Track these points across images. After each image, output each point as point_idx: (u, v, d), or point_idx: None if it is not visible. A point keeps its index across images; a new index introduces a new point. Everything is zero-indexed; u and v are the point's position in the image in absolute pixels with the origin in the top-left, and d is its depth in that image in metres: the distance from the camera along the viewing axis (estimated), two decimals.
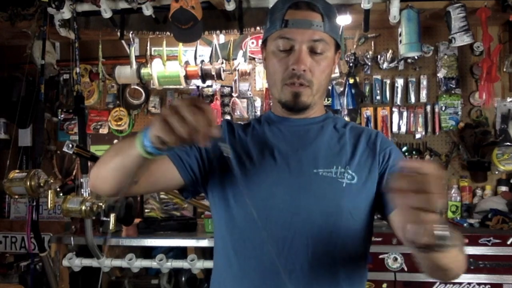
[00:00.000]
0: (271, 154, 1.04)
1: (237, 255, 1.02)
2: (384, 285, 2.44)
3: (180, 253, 2.66)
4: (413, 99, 3.08)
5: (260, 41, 3.12)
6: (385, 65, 3.09)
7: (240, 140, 1.09)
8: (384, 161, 1.05)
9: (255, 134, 1.10)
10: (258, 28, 2.79)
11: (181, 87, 3.18)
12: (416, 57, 3.03)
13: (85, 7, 2.74)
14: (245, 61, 3.07)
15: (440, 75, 3.04)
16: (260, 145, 1.07)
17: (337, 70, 3.04)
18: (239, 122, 1.18)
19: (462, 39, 2.60)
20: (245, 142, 1.09)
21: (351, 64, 3.06)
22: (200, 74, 3.02)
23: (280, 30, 1.03)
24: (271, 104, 1.20)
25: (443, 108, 3.04)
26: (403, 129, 3.06)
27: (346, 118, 2.95)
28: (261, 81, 3.18)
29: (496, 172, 3.00)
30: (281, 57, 1.04)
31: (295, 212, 0.98)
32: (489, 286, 2.41)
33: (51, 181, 2.30)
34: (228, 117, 3.13)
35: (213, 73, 2.99)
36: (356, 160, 1.03)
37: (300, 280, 0.97)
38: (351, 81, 3.02)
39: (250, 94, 3.20)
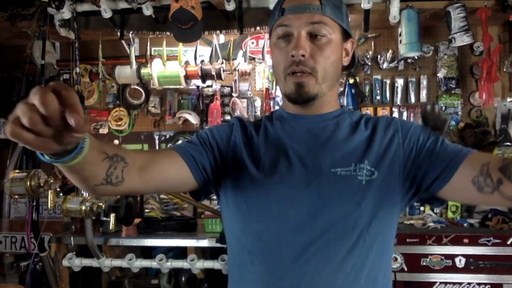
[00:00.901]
0: (286, 156, 0.99)
1: (253, 258, 0.98)
2: None
3: (180, 253, 2.66)
4: (413, 99, 3.08)
5: (260, 41, 3.16)
6: (385, 65, 3.09)
7: (253, 140, 1.04)
8: (410, 143, 0.98)
9: (268, 134, 1.05)
10: (258, 28, 2.79)
11: (181, 87, 3.18)
12: (416, 57, 3.03)
13: (85, 7, 2.74)
14: (245, 61, 3.07)
15: (440, 75, 3.05)
16: (274, 146, 1.02)
17: None
18: (250, 120, 1.14)
19: (462, 39, 2.60)
20: (257, 143, 1.04)
21: None
22: (200, 74, 3.02)
23: (278, 20, 1.00)
24: (281, 101, 1.18)
25: (443, 108, 3.04)
26: None
27: None
28: (261, 81, 3.18)
29: None
30: (282, 47, 0.99)
31: (313, 214, 0.93)
32: (489, 286, 2.41)
33: (51, 181, 2.30)
34: (228, 117, 3.14)
35: (213, 73, 2.99)
36: (374, 153, 0.97)
37: (318, 283, 0.92)
38: (351, 81, 3.02)
39: (250, 94, 3.20)
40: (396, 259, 2.45)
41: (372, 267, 0.95)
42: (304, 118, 1.04)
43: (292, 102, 1.02)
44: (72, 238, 2.58)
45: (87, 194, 2.46)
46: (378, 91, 3.11)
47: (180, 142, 1.21)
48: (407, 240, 2.48)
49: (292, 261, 0.93)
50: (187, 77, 3.07)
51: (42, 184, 2.23)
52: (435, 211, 2.97)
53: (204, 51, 3.08)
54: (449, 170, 0.91)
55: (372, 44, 3.12)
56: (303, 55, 0.95)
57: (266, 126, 1.07)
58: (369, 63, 3.10)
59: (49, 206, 2.37)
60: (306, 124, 1.03)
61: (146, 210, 2.83)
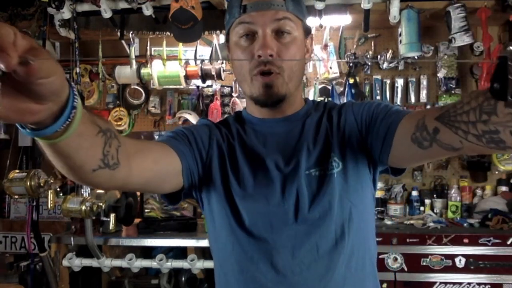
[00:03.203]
0: (264, 166, 0.96)
1: (242, 269, 0.96)
2: (384, 285, 2.44)
3: (180, 253, 2.66)
4: (413, 99, 3.08)
5: None
6: (385, 65, 3.09)
7: (229, 144, 1.01)
8: (363, 120, 0.96)
9: (244, 143, 1.01)
10: None
11: (181, 87, 3.18)
12: (416, 57, 3.03)
13: (85, 7, 2.73)
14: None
15: (440, 75, 3.04)
16: (252, 157, 0.98)
17: (336, 70, 3.04)
18: (217, 121, 1.10)
19: (462, 39, 2.60)
20: (233, 148, 1.00)
21: (351, 64, 3.06)
22: (200, 74, 3.02)
23: (239, 17, 0.95)
24: (246, 104, 1.11)
25: None
26: None
27: None
28: None
29: (496, 172, 3.00)
30: (244, 46, 0.95)
31: (297, 219, 0.93)
32: (489, 286, 2.41)
33: (51, 181, 2.31)
34: None
35: (213, 73, 2.99)
36: (336, 143, 0.96)
37: (311, 280, 0.92)
38: (351, 81, 3.02)
39: None
40: (396, 259, 2.45)
41: (359, 255, 0.95)
42: (273, 122, 1.01)
43: (260, 104, 0.99)
44: (72, 238, 2.58)
45: (87, 194, 2.46)
46: (378, 91, 3.11)
47: (159, 137, 1.12)
48: (407, 240, 2.48)
49: (286, 268, 0.92)
50: (187, 77, 3.07)
51: (42, 184, 2.24)
52: (435, 211, 2.97)
53: (204, 51, 3.08)
54: (388, 136, 0.88)
55: (372, 44, 3.12)
56: (271, 55, 0.92)
57: (240, 133, 1.03)
58: (369, 63, 3.10)
59: (49, 206, 2.38)
60: (276, 128, 1.01)
61: (146, 210, 2.84)
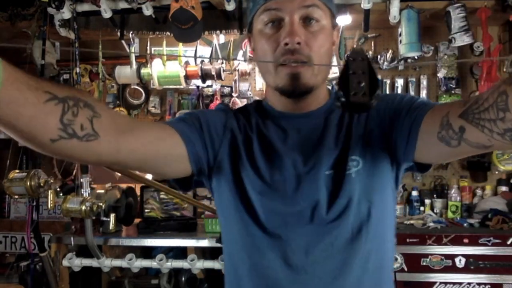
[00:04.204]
0: (281, 163, 0.92)
1: (254, 264, 0.93)
2: None
3: (180, 253, 2.66)
4: None
5: None
6: (385, 65, 3.09)
7: (246, 135, 0.95)
8: (385, 116, 0.90)
9: (262, 135, 0.95)
10: None
11: (181, 87, 3.18)
12: (416, 57, 3.03)
13: (85, 7, 2.73)
14: (245, 61, 3.07)
15: (440, 75, 3.04)
16: (269, 152, 0.93)
17: (336, 69, 3.04)
18: (237, 108, 1.04)
19: (462, 39, 2.60)
20: (251, 140, 0.95)
21: None
22: (200, 74, 3.02)
23: (264, 4, 0.89)
24: (267, 94, 1.04)
25: None
26: None
27: None
28: (261, 81, 3.18)
29: (496, 172, 3.00)
30: (270, 35, 0.89)
31: (310, 220, 0.89)
32: (489, 286, 2.41)
33: (51, 181, 2.30)
34: None
35: (213, 73, 2.99)
36: (356, 141, 0.91)
37: (328, 279, 0.89)
38: None
39: (250, 94, 3.20)
40: (396, 259, 2.45)
41: (377, 256, 0.92)
42: (295, 118, 0.96)
43: (286, 95, 0.92)
44: (72, 238, 2.58)
45: (87, 194, 2.46)
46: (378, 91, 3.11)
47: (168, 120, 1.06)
48: (407, 240, 2.48)
49: (299, 270, 0.89)
50: (187, 77, 3.07)
51: (42, 184, 2.23)
52: (435, 211, 2.97)
53: (204, 51, 3.08)
54: (413, 133, 0.83)
55: (372, 44, 3.12)
56: (298, 43, 0.86)
57: (259, 125, 0.97)
58: None
59: (49, 206, 2.37)
60: (297, 124, 0.95)
61: (146, 210, 2.84)
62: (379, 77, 3.12)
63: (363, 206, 0.89)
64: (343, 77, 0.77)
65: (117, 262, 2.54)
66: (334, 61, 2.99)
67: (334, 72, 3.03)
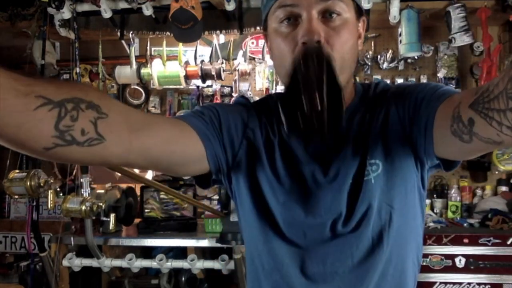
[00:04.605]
0: (299, 172, 0.87)
1: (271, 271, 0.91)
2: None
3: (180, 253, 2.66)
4: None
5: (260, 41, 3.16)
6: (385, 65, 3.09)
7: (268, 139, 0.89)
8: (403, 116, 0.83)
9: (283, 139, 0.89)
10: (258, 28, 2.79)
11: (181, 87, 3.18)
12: (416, 57, 3.03)
13: (85, 7, 2.74)
14: (245, 61, 3.07)
15: (440, 75, 3.04)
16: (289, 158, 0.88)
17: None
18: (253, 102, 0.97)
19: (462, 39, 2.60)
20: (272, 145, 0.89)
21: None
22: (200, 74, 3.02)
23: (278, 0, 0.81)
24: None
25: None
26: None
27: None
28: (261, 81, 3.18)
29: (496, 172, 3.00)
30: (286, 33, 0.81)
31: (330, 230, 0.86)
32: (489, 286, 2.41)
33: (51, 181, 2.30)
34: None
35: (213, 73, 2.99)
36: (377, 143, 0.84)
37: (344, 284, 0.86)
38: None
39: (250, 94, 3.20)
40: None
41: (398, 260, 0.88)
42: None
43: None
44: (72, 238, 2.58)
45: (87, 194, 2.46)
46: None
47: (184, 113, 0.95)
48: None
49: (315, 272, 0.87)
50: (187, 77, 3.07)
51: (42, 184, 2.23)
52: (435, 211, 2.97)
53: (204, 51, 3.09)
54: (429, 128, 0.77)
55: (372, 44, 3.12)
56: (318, 41, 0.77)
57: (280, 129, 0.90)
58: (369, 63, 3.10)
59: (49, 206, 2.37)
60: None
61: (146, 210, 2.84)
62: (379, 77, 3.12)
63: (384, 212, 0.85)
64: (290, 91, 0.65)
65: (117, 262, 2.54)
66: None
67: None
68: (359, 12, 0.85)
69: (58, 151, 0.59)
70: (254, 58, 3.16)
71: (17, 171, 2.29)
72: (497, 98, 0.57)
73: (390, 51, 3.07)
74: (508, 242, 2.42)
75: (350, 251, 0.86)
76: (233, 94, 3.17)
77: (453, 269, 2.44)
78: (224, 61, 3.02)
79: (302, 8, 0.78)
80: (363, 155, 0.85)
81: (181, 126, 0.80)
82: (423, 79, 3.08)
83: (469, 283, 2.42)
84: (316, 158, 0.87)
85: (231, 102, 2.81)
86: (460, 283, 2.44)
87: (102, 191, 2.66)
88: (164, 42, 2.97)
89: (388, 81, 3.10)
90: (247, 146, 0.89)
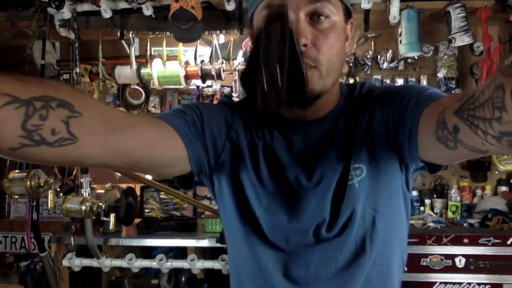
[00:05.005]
0: (283, 177, 0.85)
1: (255, 276, 0.90)
2: None
3: (180, 253, 2.66)
4: None
5: None
6: (385, 65, 3.09)
7: (252, 143, 0.88)
8: (387, 119, 0.82)
9: (267, 144, 0.87)
10: None
11: (181, 87, 3.18)
12: (416, 57, 3.03)
13: (85, 7, 2.73)
14: (245, 61, 3.07)
15: (440, 75, 3.04)
16: (272, 163, 0.86)
17: None
18: (237, 102, 0.94)
19: (462, 39, 2.60)
20: (256, 149, 0.87)
21: (351, 64, 3.06)
22: (200, 74, 3.01)
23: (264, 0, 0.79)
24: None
25: None
26: None
27: None
28: None
29: (496, 172, 3.00)
30: None
31: (313, 235, 0.85)
32: (489, 286, 2.41)
33: (51, 181, 2.30)
34: None
35: (213, 73, 2.99)
36: (361, 147, 0.83)
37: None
38: (351, 81, 3.02)
39: None
40: None
41: (383, 263, 0.88)
42: (301, 125, 0.87)
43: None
44: (72, 238, 2.58)
45: (87, 194, 2.46)
46: None
47: (164, 112, 0.86)
48: (407, 240, 2.48)
49: (299, 277, 0.87)
50: (187, 77, 3.07)
51: (42, 184, 2.23)
52: (435, 211, 2.97)
53: (204, 51, 3.08)
54: (413, 133, 0.76)
55: (372, 44, 3.12)
56: (304, 45, 0.76)
57: (265, 133, 0.88)
58: (369, 63, 3.10)
59: (49, 206, 2.37)
60: (303, 132, 0.87)
61: (146, 210, 2.84)
62: (379, 77, 3.12)
63: (368, 216, 0.85)
64: (250, 67, 0.60)
65: (117, 262, 2.54)
66: None
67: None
68: (348, 14, 0.85)
69: (25, 152, 0.57)
70: None
71: (17, 171, 2.29)
72: (482, 106, 0.56)
73: (390, 51, 3.07)
74: (508, 242, 2.42)
75: (334, 256, 0.85)
76: (233, 94, 3.17)
77: (453, 269, 2.44)
78: (224, 61, 3.02)
79: (289, 9, 0.76)
80: (347, 159, 0.84)
81: (161, 126, 0.77)
82: (423, 79, 3.08)
83: (469, 283, 2.42)
84: (300, 162, 0.86)
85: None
86: (460, 283, 2.43)
87: (102, 191, 2.66)
88: (164, 42, 2.97)
89: (388, 81, 3.11)
90: (230, 148, 0.87)
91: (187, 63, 3.06)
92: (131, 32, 2.90)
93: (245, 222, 0.88)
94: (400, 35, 2.73)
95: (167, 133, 0.77)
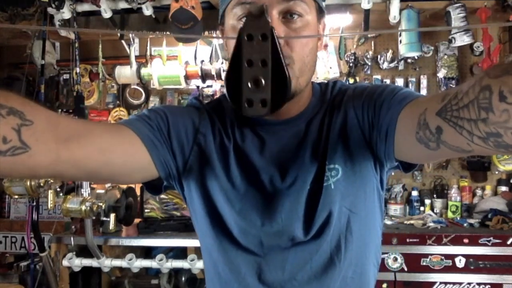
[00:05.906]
0: (257, 179, 0.84)
1: (228, 281, 0.89)
2: (384, 285, 2.44)
3: (180, 253, 2.66)
4: None
5: None
6: (385, 65, 3.09)
7: (222, 146, 0.86)
8: (362, 118, 0.82)
9: (237, 145, 0.86)
10: None
11: (181, 87, 3.18)
12: (416, 57, 3.03)
13: (85, 7, 2.74)
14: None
15: (440, 75, 3.05)
16: (245, 164, 0.85)
17: (336, 69, 3.04)
18: (206, 102, 0.92)
19: (462, 39, 2.60)
20: (227, 152, 0.85)
21: (351, 64, 3.06)
22: (200, 74, 3.02)
23: None
24: None
25: None
26: None
27: None
28: None
29: (496, 172, 3.00)
30: None
31: (288, 239, 0.84)
32: (489, 286, 2.41)
33: (51, 181, 2.31)
34: None
35: (213, 73, 2.99)
36: (335, 148, 0.83)
37: None
38: (351, 81, 3.02)
39: None
40: (396, 259, 2.45)
41: (358, 262, 0.88)
42: (274, 125, 0.86)
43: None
44: (72, 238, 2.58)
45: (87, 194, 2.46)
46: None
47: (127, 119, 0.85)
48: (407, 240, 2.48)
49: (274, 281, 0.86)
50: (187, 77, 3.07)
51: (42, 184, 2.24)
52: (435, 211, 2.97)
53: (204, 51, 3.08)
54: (390, 133, 0.76)
55: (372, 44, 3.12)
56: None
57: (235, 134, 0.87)
58: (369, 63, 3.10)
59: (49, 206, 2.38)
60: (276, 132, 0.86)
61: (146, 210, 2.84)
62: (379, 77, 3.11)
63: (344, 217, 0.84)
64: (232, 70, 0.59)
65: (117, 262, 2.54)
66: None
67: (334, 72, 3.03)
68: (321, 13, 0.84)
69: None
70: None
71: None
72: (467, 107, 0.55)
73: (390, 51, 3.07)
74: (508, 242, 2.42)
75: (309, 258, 0.84)
76: None
77: (453, 269, 2.44)
78: (224, 61, 3.02)
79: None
80: (321, 160, 0.83)
81: (122, 133, 0.75)
82: (423, 79, 3.08)
83: (469, 283, 2.42)
84: (273, 163, 0.84)
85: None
86: (460, 283, 2.44)
87: (102, 191, 2.66)
88: (164, 42, 2.97)
89: (388, 81, 3.11)
90: (198, 152, 0.85)
91: (187, 63, 3.06)
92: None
93: (215, 226, 0.86)
94: (400, 35, 2.73)
95: (127, 139, 0.75)
